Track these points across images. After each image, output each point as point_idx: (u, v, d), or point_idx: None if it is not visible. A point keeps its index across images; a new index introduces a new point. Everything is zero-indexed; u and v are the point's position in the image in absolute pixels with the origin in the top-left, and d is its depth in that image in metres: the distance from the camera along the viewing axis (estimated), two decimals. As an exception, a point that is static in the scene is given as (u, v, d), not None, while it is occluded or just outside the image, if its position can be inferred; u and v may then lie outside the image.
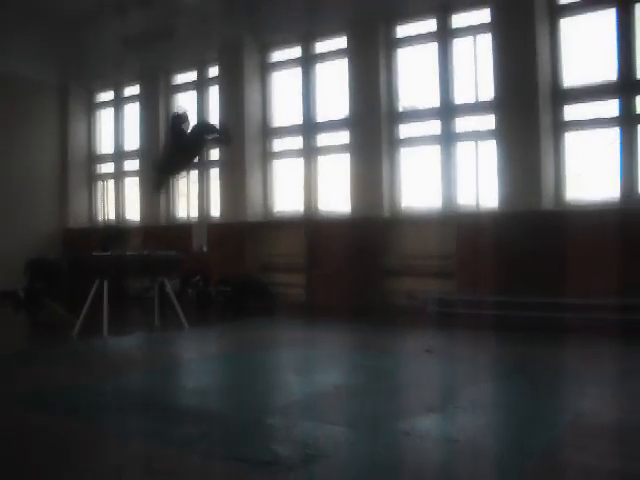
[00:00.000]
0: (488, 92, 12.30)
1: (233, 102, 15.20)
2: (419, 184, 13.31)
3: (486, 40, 12.30)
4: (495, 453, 4.96)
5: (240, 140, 14.87)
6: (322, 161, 14.68)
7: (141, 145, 17.27)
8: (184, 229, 15.89)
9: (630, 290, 10.27)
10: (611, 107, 11.38)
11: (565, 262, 10.70)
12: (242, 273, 14.21)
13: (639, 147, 11.13)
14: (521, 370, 8.12)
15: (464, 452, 4.93)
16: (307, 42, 14.63)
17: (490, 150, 12.24)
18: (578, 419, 5.82)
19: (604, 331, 10.19)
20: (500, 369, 8.39)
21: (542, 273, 10.96)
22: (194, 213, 16.57)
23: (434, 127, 13.09)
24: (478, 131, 12.57)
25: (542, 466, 4.66)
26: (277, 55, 15.33)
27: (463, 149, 12.79)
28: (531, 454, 4.84)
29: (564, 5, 11.77)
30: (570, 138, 11.75)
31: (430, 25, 13.12)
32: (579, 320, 10.51)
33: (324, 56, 14.59)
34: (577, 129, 11.71)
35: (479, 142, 12.56)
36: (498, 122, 12.05)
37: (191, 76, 16.83)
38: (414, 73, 13.43)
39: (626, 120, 11.21)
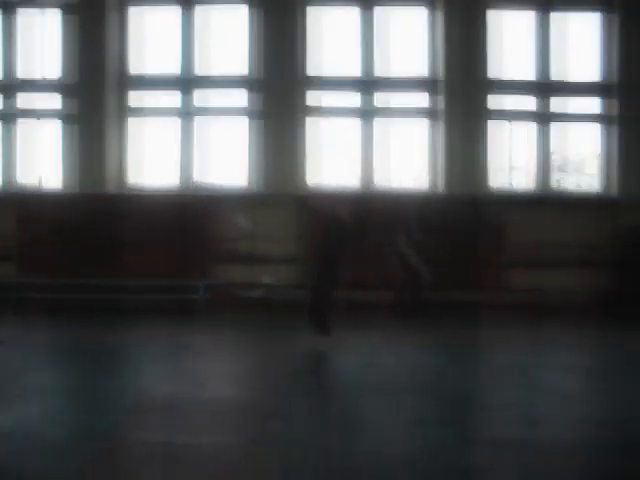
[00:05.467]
0: (56, 72, 11.99)
1: None
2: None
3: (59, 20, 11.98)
4: (58, 440, 4.94)
5: None
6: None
7: None
8: None
9: (186, 272, 11.00)
10: (175, 99, 11.99)
11: (128, 245, 11.00)
12: None
13: (195, 138, 11.96)
14: (88, 354, 8.09)
15: (20, 444, 4.84)
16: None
17: (60, 132, 12.01)
18: (140, 397, 6.05)
19: (164, 310, 10.76)
20: (61, 354, 8.25)
21: (107, 256, 11.09)
22: None
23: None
24: (45, 110, 12.16)
25: (106, 447, 4.77)
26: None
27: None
28: (95, 437, 4.93)
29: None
30: (134, 124, 12.05)
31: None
32: (141, 301, 10.91)
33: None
34: (140, 116, 12.06)
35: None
36: (72, 104, 11.83)
37: None
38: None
39: (186, 112, 11.91)
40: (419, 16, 12.14)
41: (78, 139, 11.71)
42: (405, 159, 12.34)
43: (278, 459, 4.54)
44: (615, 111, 12.18)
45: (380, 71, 12.02)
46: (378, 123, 12.06)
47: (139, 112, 12.07)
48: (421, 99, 12.18)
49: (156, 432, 5.05)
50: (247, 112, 11.90)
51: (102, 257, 11.14)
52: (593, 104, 12.37)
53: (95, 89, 11.67)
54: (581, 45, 12.33)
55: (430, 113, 12.12)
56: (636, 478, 4.26)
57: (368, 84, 11.99)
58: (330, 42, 11.99)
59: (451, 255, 11.15)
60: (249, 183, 11.86)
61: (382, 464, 4.46)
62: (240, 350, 8.65)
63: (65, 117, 11.92)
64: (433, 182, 12.09)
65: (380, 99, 12.07)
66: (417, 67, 12.19)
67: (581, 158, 12.87)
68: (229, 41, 11.96)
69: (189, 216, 11.24)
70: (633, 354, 8.47)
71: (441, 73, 11.95)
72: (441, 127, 11.97)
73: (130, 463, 4.49)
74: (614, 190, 12.13)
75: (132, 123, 12.06)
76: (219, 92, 12.03)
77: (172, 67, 12.00)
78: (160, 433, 5.03)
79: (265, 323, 10.41)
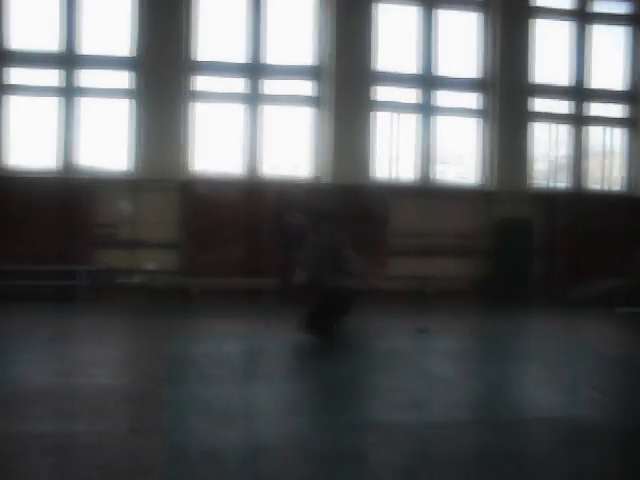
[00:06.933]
0: None
1: None
2: None
3: None
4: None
5: None
6: None
7: None
8: None
9: (65, 257, 10.69)
10: (53, 77, 11.54)
11: (4, 229, 10.60)
12: None
13: (76, 120, 11.54)
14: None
15: None
16: None
17: None
18: (14, 387, 5.79)
19: (42, 297, 10.44)
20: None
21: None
22: None
23: None
24: None
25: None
26: None
27: None
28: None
29: None
30: (12, 103, 11.53)
31: None
32: (19, 287, 10.55)
33: None
34: (19, 94, 11.57)
35: None
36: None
37: None
38: None
39: (67, 91, 11.51)
40: (309, 4, 12.22)
41: None
42: (290, 147, 12.43)
43: (154, 446, 4.48)
44: (492, 106, 12.72)
45: (267, 58, 12.03)
46: (264, 110, 12.07)
47: (17, 90, 11.56)
48: (307, 87, 12.27)
49: (31, 422, 4.86)
50: (130, 94, 11.64)
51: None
52: (473, 99, 12.86)
53: None
54: (464, 42, 12.85)
55: (315, 102, 12.23)
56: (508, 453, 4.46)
57: (255, 70, 11.97)
58: (218, 26, 11.88)
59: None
60: (130, 167, 11.62)
61: (257, 449, 4.50)
62: (119, 337, 8.56)
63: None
64: (317, 171, 12.21)
65: (267, 86, 12.08)
66: (304, 55, 12.25)
67: (461, 151, 13.33)
68: (114, 20, 11.60)
69: (69, 200, 10.93)
70: (504, 338, 8.93)
71: (328, 62, 12.06)
72: (326, 116, 12.10)
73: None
74: (490, 182, 12.63)
75: (10, 101, 11.53)
76: (102, 72, 11.66)
77: (54, 44, 11.51)
78: (35, 423, 4.85)
79: (145, 309, 10.35)
